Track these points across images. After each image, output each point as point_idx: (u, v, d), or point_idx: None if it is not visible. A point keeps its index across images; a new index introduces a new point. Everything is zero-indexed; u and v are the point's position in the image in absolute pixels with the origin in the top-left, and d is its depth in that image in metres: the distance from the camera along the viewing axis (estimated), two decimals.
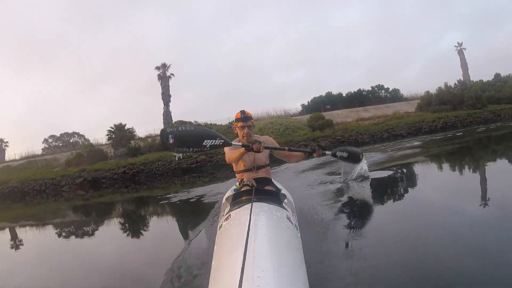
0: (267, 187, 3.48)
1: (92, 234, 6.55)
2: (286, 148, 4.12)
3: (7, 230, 9.06)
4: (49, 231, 7.89)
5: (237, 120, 3.95)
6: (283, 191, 3.88)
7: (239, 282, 1.37)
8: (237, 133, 4.05)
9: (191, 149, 3.76)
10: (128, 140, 31.40)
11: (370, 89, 47.96)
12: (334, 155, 4.88)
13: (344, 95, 47.06)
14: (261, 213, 2.36)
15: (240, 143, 3.75)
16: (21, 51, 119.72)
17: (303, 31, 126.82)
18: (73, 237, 6.69)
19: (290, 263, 1.80)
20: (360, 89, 47.64)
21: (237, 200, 2.86)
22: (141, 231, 6.11)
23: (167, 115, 39.75)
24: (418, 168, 8.65)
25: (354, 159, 5.35)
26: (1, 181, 26.63)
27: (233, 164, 4.07)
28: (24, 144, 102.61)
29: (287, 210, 2.77)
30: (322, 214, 4.73)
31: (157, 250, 4.49)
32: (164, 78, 39.55)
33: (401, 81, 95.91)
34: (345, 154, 4.89)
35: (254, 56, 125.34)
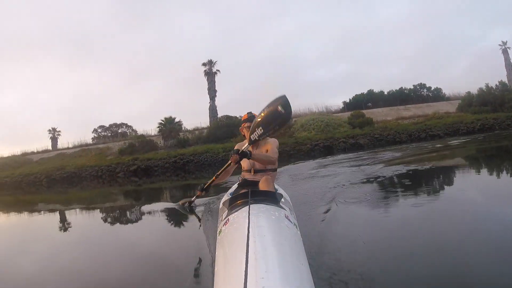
0: (264, 188, 3.44)
1: (136, 218, 6.61)
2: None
3: (57, 212, 9.38)
4: (96, 214, 8.09)
5: (244, 121, 4.00)
6: (280, 190, 3.86)
7: (244, 285, 1.38)
8: (244, 135, 4.07)
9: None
10: (177, 132, 32.77)
11: (412, 87, 47.21)
12: (251, 141, 3.81)
13: (385, 93, 46.38)
14: (259, 214, 2.36)
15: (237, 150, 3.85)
16: (70, 45, 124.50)
17: (345, 24, 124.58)
18: (118, 220, 6.81)
19: (293, 261, 1.81)
20: (402, 87, 46.95)
21: (234, 203, 2.86)
22: (179, 218, 5.88)
23: (212, 109, 40.98)
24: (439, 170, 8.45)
25: (277, 120, 3.70)
26: (58, 167, 28.11)
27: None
28: (72, 133, 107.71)
29: (285, 209, 2.77)
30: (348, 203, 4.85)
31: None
32: (210, 74, 40.93)
33: (445, 79, 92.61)
34: (260, 131, 3.70)
35: (296, 50, 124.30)
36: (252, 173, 3.91)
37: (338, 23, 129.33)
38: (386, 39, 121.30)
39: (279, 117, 3.69)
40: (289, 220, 2.51)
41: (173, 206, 5.75)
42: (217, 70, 41.99)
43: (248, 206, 2.41)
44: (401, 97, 43.76)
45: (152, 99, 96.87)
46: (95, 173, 25.07)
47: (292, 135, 27.78)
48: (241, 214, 2.47)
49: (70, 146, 43.76)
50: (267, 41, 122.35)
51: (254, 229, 1.98)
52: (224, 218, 2.73)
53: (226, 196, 3.92)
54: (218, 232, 2.71)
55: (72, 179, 24.91)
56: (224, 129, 29.22)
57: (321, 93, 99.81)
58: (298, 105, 40.95)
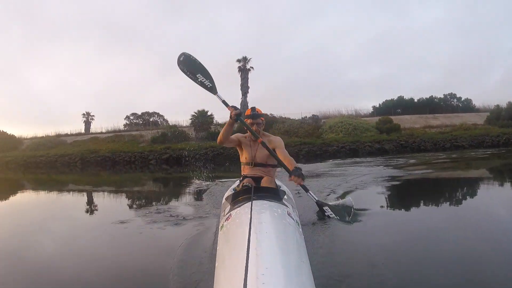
0: (267, 185, 3.45)
1: (158, 204, 6.60)
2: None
3: (85, 193, 9.71)
4: (123, 198, 8.23)
5: (247, 116, 3.96)
6: (283, 187, 3.88)
7: (244, 281, 1.38)
8: (246, 130, 4.06)
9: (188, 73, 4.35)
10: (209, 125, 33.53)
11: (442, 96, 46.73)
12: (318, 205, 4.31)
13: (415, 100, 45.99)
14: (261, 210, 2.36)
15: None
16: (106, 32, 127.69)
17: (381, 28, 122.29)
18: (142, 206, 6.75)
19: (294, 258, 1.80)
20: (432, 96, 46.54)
21: (237, 199, 2.85)
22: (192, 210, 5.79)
23: (244, 104, 41.14)
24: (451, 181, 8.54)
25: (344, 214, 4.41)
26: (92, 150, 28.96)
27: (240, 156, 4.08)
28: (103, 118, 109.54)
29: (287, 206, 2.75)
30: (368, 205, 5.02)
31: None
32: (244, 71, 41.50)
33: (476, 90, 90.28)
34: (331, 214, 4.23)
35: (330, 51, 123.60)
36: (252, 166, 3.91)
37: (373, 26, 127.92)
38: (420, 44, 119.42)
39: (344, 217, 4.25)
40: (291, 217, 2.51)
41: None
42: (250, 67, 42.46)
43: (250, 202, 2.41)
44: (430, 106, 43.36)
45: (183, 90, 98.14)
46: (128, 158, 25.87)
47: (320, 136, 28.19)
48: (243, 210, 2.48)
49: (104, 131, 44.75)
50: (301, 41, 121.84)
51: (256, 225, 1.99)
52: (227, 213, 2.74)
53: (229, 191, 3.99)
54: (220, 227, 2.71)
55: (105, 162, 25.72)
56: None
57: (353, 95, 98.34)
58: (328, 106, 41.64)
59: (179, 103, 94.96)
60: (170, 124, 43.22)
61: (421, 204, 5.93)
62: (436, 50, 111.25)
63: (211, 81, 4.33)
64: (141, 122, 53.19)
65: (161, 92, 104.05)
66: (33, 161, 27.98)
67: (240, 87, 42.76)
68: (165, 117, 52.18)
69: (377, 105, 46.72)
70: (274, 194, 2.85)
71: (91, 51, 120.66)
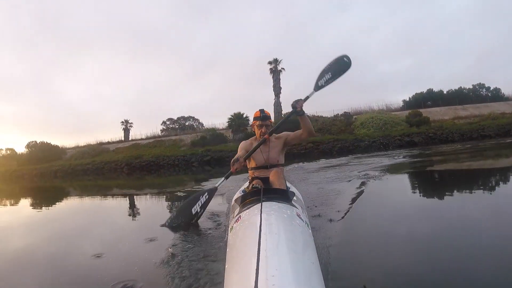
0: (276, 186, 3.38)
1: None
2: (267, 136, 3.88)
3: (127, 197, 9.82)
4: (162, 199, 8.27)
5: (255, 118, 3.93)
6: (292, 188, 3.78)
7: (255, 283, 1.37)
8: (254, 131, 4.03)
9: (193, 219, 3.99)
10: (245, 126, 34.30)
11: (471, 87, 46.58)
12: (317, 87, 4.09)
13: (445, 92, 45.74)
14: (271, 212, 2.35)
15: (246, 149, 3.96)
16: (134, 40, 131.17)
17: (407, 18, 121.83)
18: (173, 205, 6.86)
19: (304, 260, 1.79)
20: (460, 87, 46.50)
21: (246, 201, 2.83)
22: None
23: (277, 105, 42.18)
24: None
25: (341, 68, 4.14)
26: (136, 156, 30.15)
27: (247, 162, 3.94)
28: (139, 124, 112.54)
29: (296, 207, 2.73)
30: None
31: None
32: (275, 72, 42.22)
33: (508, 77, 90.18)
34: (328, 76, 4.04)
35: (358, 45, 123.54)
36: (266, 168, 3.83)
37: (399, 17, 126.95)
38: (450, 34, 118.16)
39: (344, 64, 4.07)
40: (300, 218, 2.48)
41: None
42: (282, 68, 43.04)
43: (260, 204, 2.40)
44: (459, 97, 42.98)
45: (215, 93, 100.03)
46: (172, 162, 27.11)
47: (352, 132, 28.72)
48: (253, 212, 2.45)
49: (143, 137, 46.26)
50: (328, 36, 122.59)
51: (265, 227, 1.98)
52: (236, 215, 2.71)
53: (238, 193, 3.88)
54: (229, 229, 2.69)
55: (150, 167, 26.82)
56: (290, 125, 30.52)
57: (384, 89, 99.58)
58: (359, 102, 42.32)
59: (211, 105, 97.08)
60: (206, 127, 44.77)
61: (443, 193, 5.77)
62: (465, 39, 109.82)
63: (200, 193, 4.05)
64: (177, 126, 54.49)
65: (192, 95, 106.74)
66: (80, 169, 29.33)
67: (272, 89, 43.32)
68: (200, 121, 54.01)
69: (407, 99, 47.01)
70: (283, 195, 2.83)
71: (121, 59, 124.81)
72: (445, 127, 27.08)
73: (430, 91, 46.28)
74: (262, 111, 3.96)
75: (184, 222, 3.99)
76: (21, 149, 45.66)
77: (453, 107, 38.89)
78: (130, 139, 48.25)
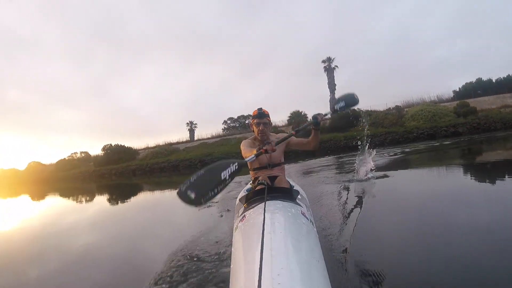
0: (280, 185, 3.38)
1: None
2: (293, 132, 3.80)
3: None
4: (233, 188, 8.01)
5: (253, 117, 3.91)
6: (296, 187, 3.78)
7: (258, 282, 1.38)
8: (253, 130, 3.99)
9: (215, 189, 3.11)
10: (304, 123, 37.42)
11: None
12: (334, 110, 4.18)
13: (493, 80, 45.65)
14: (275, 211, 2.33)
15: (254, 150, 3.51)
16: (187, 44, 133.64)
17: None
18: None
19: (309, 258, 1.79)
20: (509, 74, 45.66)
21: (251, 200, 2.83)
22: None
23: (333, 101, 44.81)
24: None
25: (351, 102, 4.32)
26: (207, 153, 31.88)
27: (248, 163, 3.59)
28: (201, 124, 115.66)
29: (301, 206, 2.70)
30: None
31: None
32: (329, 70, 44.05)
33: None
34: (342, 104, 4.17)
35: (412, 31, 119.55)
36: (269, 168, 3.82)
37: None
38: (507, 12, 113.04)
39: (354, 100, 4.18)
40: (305, 216, 2.46)
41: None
42: (335, 65, 44.85)
43: (264, 203, 2.39)
44: (508, 85, 42.03)
45: (269, 90, 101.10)
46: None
47: (403, 125, 29.53)
48: (257, 211, 2.46)
49: (208, 136, 48.58)
50: (380, 26, 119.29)
51: (270, 226, 1.99)
52: (241, 215, 2.73)
53: (242, 193, 3.89)
54: (234, 228, 2.70)
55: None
56: (346, 120, 31.19)
57: (439, 75, 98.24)
58: (412, 92, 42.54)
59: (265, 102, 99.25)
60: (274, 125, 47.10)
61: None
62: None
63: (231, 161, 3.27)
64: (237, 125, 56.80)
65: (247, 94, 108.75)
66: (157, 167, 31.67)
67: (327, 86, 44.92)
68: None
69: (457, 89, 47.05)
70: (288, 194, 2.80)
71: (176, 63, 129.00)
72: (490, 116, 27.07)
73: (479, 80, 46.18)
74: (260, 109, 3.95)
75: (209, 189, 3.14)
76: (93, 152, 48.33)
77: (502, 95, 38.11)
78: (195, 139, 50.17)
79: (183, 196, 3.06)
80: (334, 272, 2.44)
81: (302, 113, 37.79)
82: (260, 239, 1.77)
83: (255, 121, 3.90)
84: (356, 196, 5.55)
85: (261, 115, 3.90)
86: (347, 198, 5.46)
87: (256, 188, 3.19)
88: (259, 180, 3.46)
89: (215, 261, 3.07)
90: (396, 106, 38.16)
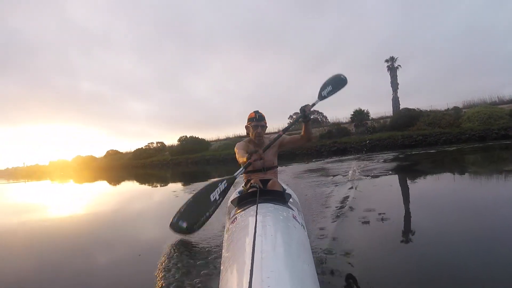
0: (272, 188, 3.30)
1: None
2: (281, 132, 3.90)
3: None
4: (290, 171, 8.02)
5: (250, 119, 3.85)
6: (288, 190, 3.66)
7: (249, 284, 1.37)
8: (248, 132, 3.97)
9: (207, 213, 3.33)
10: (366, 121, 37.66)
11: None
12: (321, 97, 4.23)
13: None
14: (267, 213, 2.31)
15: (247, 153, 3.66)
16: (253, 38, 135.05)
17: None
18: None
19: (299, 261, 1.80)
20: None
21: (242, 202, 2.79)
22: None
23: (395, 100, 44.33)
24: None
25: (339, 84, 4.49)
26: None
27: (241, 164, 3.66)
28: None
29: (292, 209, 2.66)
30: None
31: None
32: (392, 69, 44.35)
33: None
34: (329, 88, 4.24)
35: (482, 24, 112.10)
36: (263, 171, 3.87)
37: None
38: None
39: (342, 81, 4.45)
40: (296, 220, 2.44)
41: None
42: (398, 65, 45.08)
43: (256, 205, 2.36)
44: None
45: None
46: (305, 151, 30.39)
47: (459, 126, 29.63)
48: (249, 213, 2.45)
49: (275, 130, 46.53)
50: (448, 22, 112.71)
51: (261, 228, 1.98)
52: (232, 217, 2.69)
53: (234, 195, 3.76)
54: (225, 230, 2.68)
55: (287, 155, 29.34)
56: (405, 119, 32.13)
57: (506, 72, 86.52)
58: (472, 96, 42.08)
59: (330, 98, 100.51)
60: (330, 121, 47.67)
61: None
62: None
63: (219, 181, 3.47)
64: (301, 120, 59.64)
65: (312, 89, 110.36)
66: (229, 157, 32.16)
67: (390, 85, 45.44)
68: (324, 114, 56.42)
69: None
70: (280, 197, 2.76)
71: (242, 57, 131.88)
72: None
73: None
74: (257, 112, 3.89)
75: (199, 215, 3.37)
76: (168, 142, 50.41)
77: None
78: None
79: (175, 227, 3.26)
80: (323, 275, 2.49)
81: (365, 111, 38.60)
82: (252, 242, 1.76)
83: (252, 123, 3.87)
84: (348, 197, 5.61)
85: (260, 118, 3.87)
86: (339, 200, 5.48)
87: (249, 191, 3.15)
88: (251, 183, 3.41)
89: (205, 262, 3.03)
90: (454, 107, 38.02)
